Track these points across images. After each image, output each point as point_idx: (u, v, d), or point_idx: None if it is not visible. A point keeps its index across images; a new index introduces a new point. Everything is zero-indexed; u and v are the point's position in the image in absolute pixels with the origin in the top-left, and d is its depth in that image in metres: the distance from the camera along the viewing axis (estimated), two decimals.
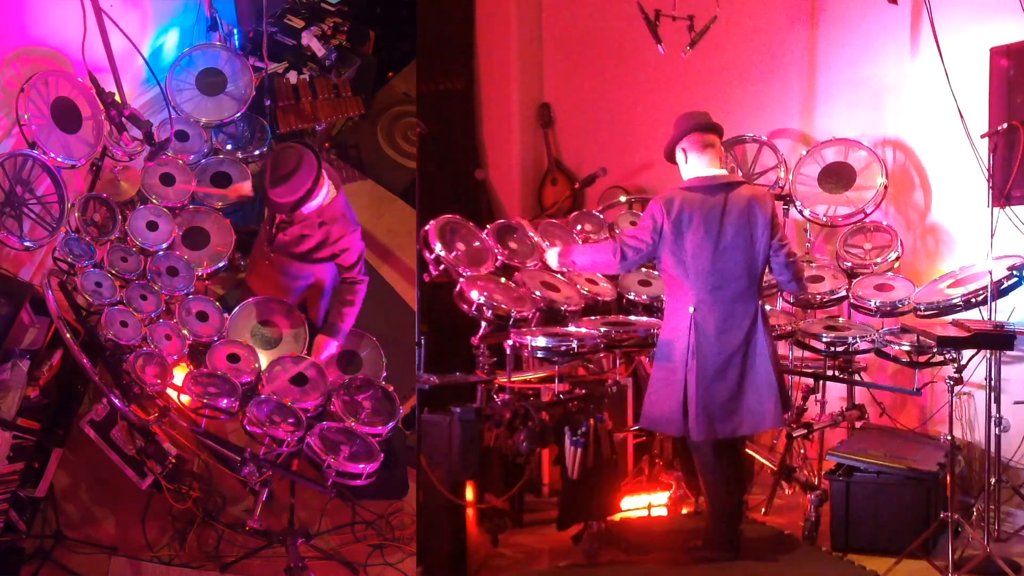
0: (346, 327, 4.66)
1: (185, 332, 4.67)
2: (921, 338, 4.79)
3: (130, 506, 4.66)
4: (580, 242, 5.48)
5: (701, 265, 4.29)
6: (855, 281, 5.32)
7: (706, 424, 4.29)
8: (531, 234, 5.16)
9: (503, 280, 4.91)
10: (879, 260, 5.40)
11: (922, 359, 4.94)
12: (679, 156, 4.45)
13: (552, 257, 4.80)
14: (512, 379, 4.64)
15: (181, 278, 4.80)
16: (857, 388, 5.35)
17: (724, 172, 4.42)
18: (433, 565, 4.30)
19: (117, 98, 4.60)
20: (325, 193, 4.52)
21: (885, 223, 5.53)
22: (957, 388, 4.30)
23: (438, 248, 4.79)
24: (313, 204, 4.48)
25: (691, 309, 4.31)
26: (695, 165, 4.41)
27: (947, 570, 4.17)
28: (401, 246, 5.68)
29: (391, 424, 4.57)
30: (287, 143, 4.53)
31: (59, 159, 4.49)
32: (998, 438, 4.56)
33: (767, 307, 4.61)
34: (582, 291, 5.12)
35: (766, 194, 4.54)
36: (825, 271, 5.46)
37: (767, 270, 4.50)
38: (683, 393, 4.30)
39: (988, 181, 4.55)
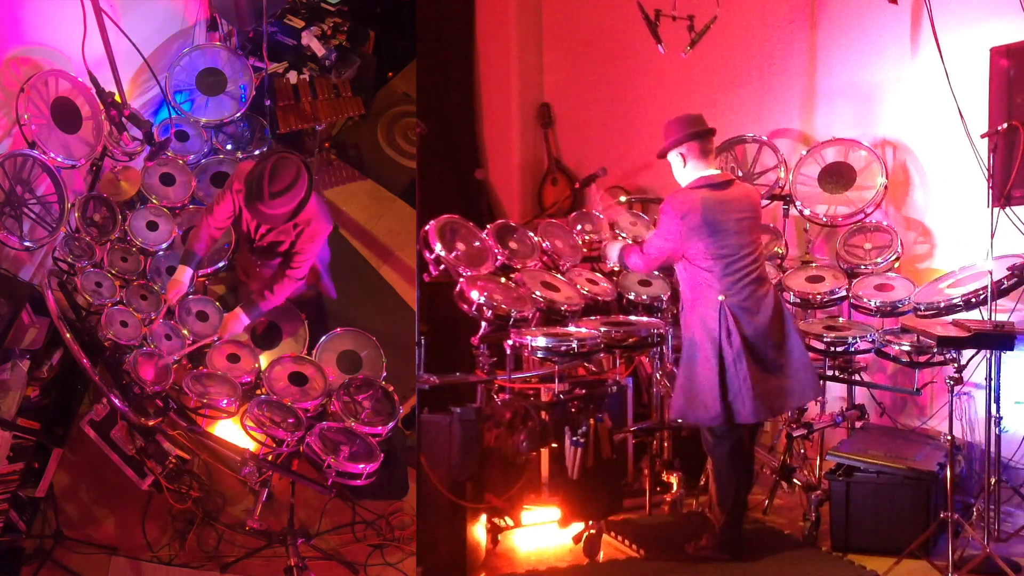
0: (264, 309, 4.67)
1: (185, 332, 4.67)
2: (921, 338, 4.79)
3: (130, 506, 4.66)
4: (580, 242, 5.49)
5: (723, 256, 4.36)
6: (855, 281, 5.32)
7: (761, 405, 4.32)
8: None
9: (503, 280, 4.92)
10: (879, 260, 5.39)
11: (922, 359, 4.94)
12: (676, 160, 4.50)
13: (612, 253, 4.93)
14: (512, 379, 4.64)
15: None
16: (857, 388, 5.35)
17: (719, 171, 4.51)
18: (433, 565, 4.30)
19: (117, 98, 4.60)
20: None
21: (885, 223, 5.53)
22: (957, 388, 4.30)
23: (438, 248, 4.80)
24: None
25: (721, 298, 4.35)
26: (695, 167, 4.47)
27: (947, 570, 4.17)
28: (401, 246, 5.68)
29: (391, 424, 4.57)
30: (278, 154, 4.46)
31: (59, 159, 4.49)
32: (998, 438, 4.56)
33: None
34: (582, 291, 5.12)
35: (757, 191, 4.78)
36: (825, 271, 5.46)
37: None
38: (720, 381, 4.33)
39: (988, 181, 4.55)
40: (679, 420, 4.62)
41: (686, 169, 4.48)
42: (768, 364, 4.38)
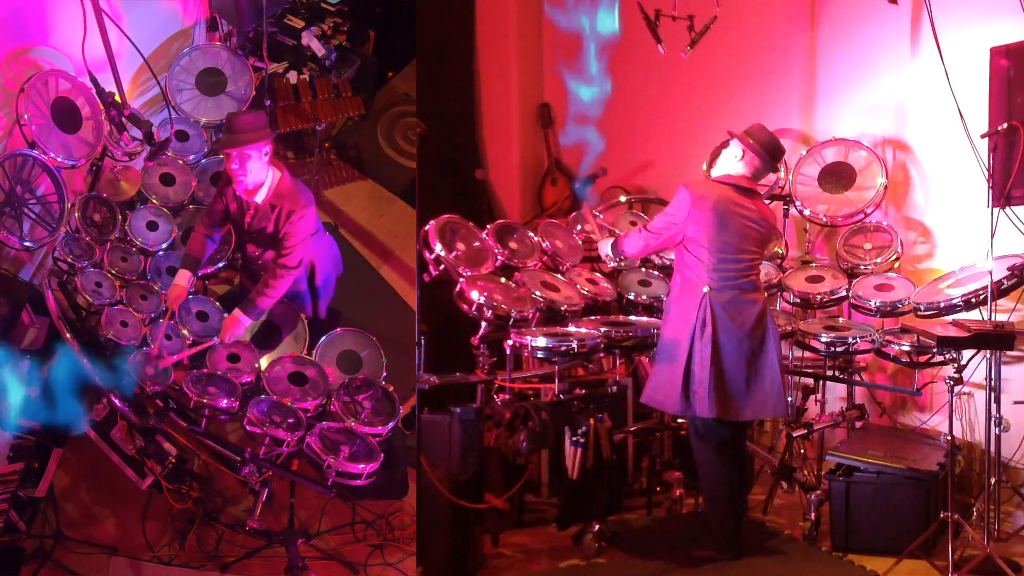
0: (263, 307, 4.65)
1: (185, 332, 4.67)
2: (921, 338, 4.79)
3: (130, 506, 4.66)
4: (580, 242, 5.50)
5: (721, 250, 4.39)
6: (855, 281, 5.32)
7: (715, 403, 4.32)
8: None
9: (503, 280, 4.92)
10: (879, 260, 5.40)
11: (922, 359, 4.94)
12: (736, 150, 4.51)
13: (604, 247, 4.92)
14: (512, 379, 4.64)
15: None
16: (857, 388, 5.35)
17: (752, 181, 4.55)
18: (433, 565, 4.30)
19: (117, 98, 4.59)
20: (271, 178, 4.55)
21: (885, 223, 5.54)
22: (957, 388, 4.30)
23: (438, 248, 4.80)
24: (263, 191, 4.54)
25: (706, 289, 4.39)
26: (738, 169, 4.51)
27: (947, 570, 4.17)
28: (401, 246, 5.68)
29: (391, 424, 4.57)
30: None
31: (59, 159, 4.49)
32: (998, 438, 4.56)
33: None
34: (582, 291, 5.12)
35: (774, 214, 4.89)
36: (825, 271, 5.46)
37: None
38: (685, 369, 4.36)
39: (988, 181, 4.55)
40: (647, 403, 4.65)
41: (732, 163, 4.51)
42: (735, 371, 4.37)
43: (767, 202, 5.51)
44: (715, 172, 4.56)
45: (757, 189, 4.60)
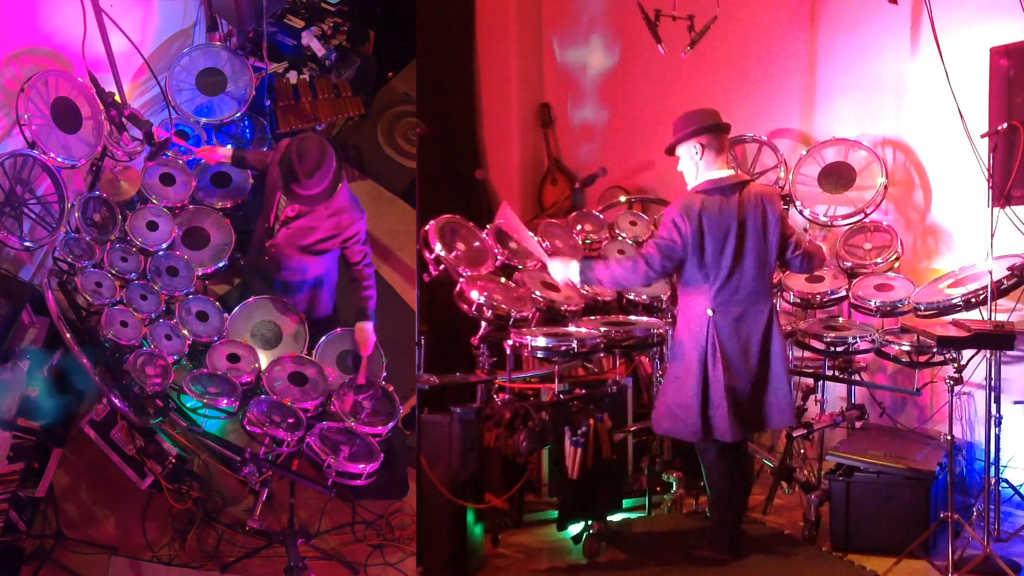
0: (373, 308, 4.69)
1: (185, 332, 4.67)
2: (921, 338, 4.79)
3: (130, 506, 4.66)
4: (580, 242, 5.50)
5: (720, 267, 4.25)
6: (855, 281, 5.32)
7: (737, 425, 4.28)
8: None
9: (503, 280, 4.92)
10: (879, 260, 5.40)
11: (922, 359, 4.94)
12: (690, 153, 4.31)
13: (573, 273, 4.43)
14: (512, 379, 4.64)
15: (181, 278, 4.80)
16: (857, 388, 5.35)
17: (733, 172, 4.34)
18: (433, 565, 4.30)
19: (117, 98, 4.60)
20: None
21: (885, 223, 5.54)
22: (957, 388, 4.30)
23: (438, 248, 4.80)
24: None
25: (709, 312, 4.27)
26: (707, 166, 4.31)
27: (947, 570, 4.17)
28: (401, 246, 5.68)
29: (391, 424, 4.57)
30: (303, 134, 4.53)
31: (59, 159, 4.49)
32: (998, 438, 4.56)
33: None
34: (582, 291, 5.12)
35: (774, 192, 4.63)
36: (825, 271, 5.46)
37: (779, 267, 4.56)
38: (701, 396, 4.28)
39: (988, 181, 4.55)
40: (662, 433, 4.61)
41: (696, 169, 4.32)
42: (745, 389, 4.31)
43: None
44: (691, 183, 4.35)
45: (741, 177, 4.34)
